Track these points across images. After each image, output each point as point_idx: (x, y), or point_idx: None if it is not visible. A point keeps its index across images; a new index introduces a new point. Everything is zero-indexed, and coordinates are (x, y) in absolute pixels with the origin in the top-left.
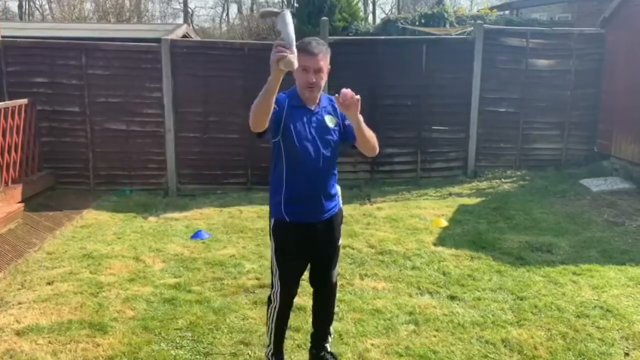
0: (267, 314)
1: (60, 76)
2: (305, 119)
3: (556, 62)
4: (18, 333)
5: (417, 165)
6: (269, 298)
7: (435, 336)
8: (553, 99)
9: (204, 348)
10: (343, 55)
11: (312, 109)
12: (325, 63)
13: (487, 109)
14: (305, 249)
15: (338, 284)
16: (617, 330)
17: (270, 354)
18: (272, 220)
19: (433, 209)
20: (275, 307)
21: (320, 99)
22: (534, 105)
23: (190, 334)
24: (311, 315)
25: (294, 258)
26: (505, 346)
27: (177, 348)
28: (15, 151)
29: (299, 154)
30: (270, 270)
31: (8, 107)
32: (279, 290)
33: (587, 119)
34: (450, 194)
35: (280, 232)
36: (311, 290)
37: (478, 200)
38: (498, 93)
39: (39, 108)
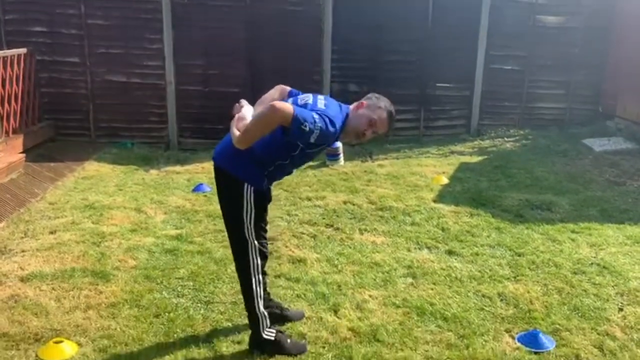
0: (251, 276)
1: (59, 25)
2: None
3: (565, 18)
4: (22, 279)
5: (420, 123)
6: (245, 262)
7: (432, 289)
8: (560, 57)
9: (205, 297)
10: (345, 9)
11: None
12: None
13: (492, 66)
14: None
15: None
16: (613, 287)
17: (265, 322)
18: (250, 187)
19: (434, 167)
20: (257, 265)
21: None
22: (540, 63)
23: (191, 284)
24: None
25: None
26: (501, 300)
27: (178, 297)
28: (15, 101)
29: (296, 164)
30: (239, 235)
31: (7, 56)
32: (256, 246)
33: (593, 78)
34: (452, 152)
35: (256, 198)
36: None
37: (480, 158)
38: (504, 50)
39: (38, 58)
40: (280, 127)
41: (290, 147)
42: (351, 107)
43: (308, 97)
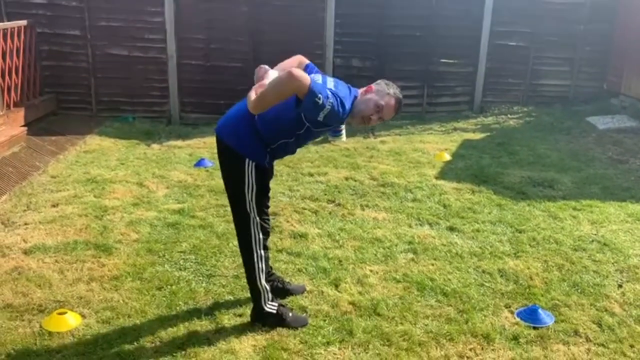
0: (253, 250)
1: None
2: None
3: None
4: (25, 252)
5: (423, 99)
6: (247, 237)
7: (433, 265)
8: (565, 33)
9: (207, 270)
10: None
11: None
12: None
13: (497, 42)
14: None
15: None
16: (613, 264)
17: (267, 296)
18: (252, 163)
19: (437, 144)
20: (259, 240)
21: None
22: (545, 39)
23: (193, 257)
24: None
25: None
26: (501, 276)
27: (180, 270)
28: (16, 74)
29: (300, 143)
30: (241, 210)
31: (7, 28)
32: (258, 222)
33: (598, 55)
34: (455, 129)
35: (258, 174)
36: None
37: (483, 135)
38: (509, 26)
39: (38, 30)
40: (293, 98)
41: (296, 124)
42: (360, 90)
43: (317, 78)
